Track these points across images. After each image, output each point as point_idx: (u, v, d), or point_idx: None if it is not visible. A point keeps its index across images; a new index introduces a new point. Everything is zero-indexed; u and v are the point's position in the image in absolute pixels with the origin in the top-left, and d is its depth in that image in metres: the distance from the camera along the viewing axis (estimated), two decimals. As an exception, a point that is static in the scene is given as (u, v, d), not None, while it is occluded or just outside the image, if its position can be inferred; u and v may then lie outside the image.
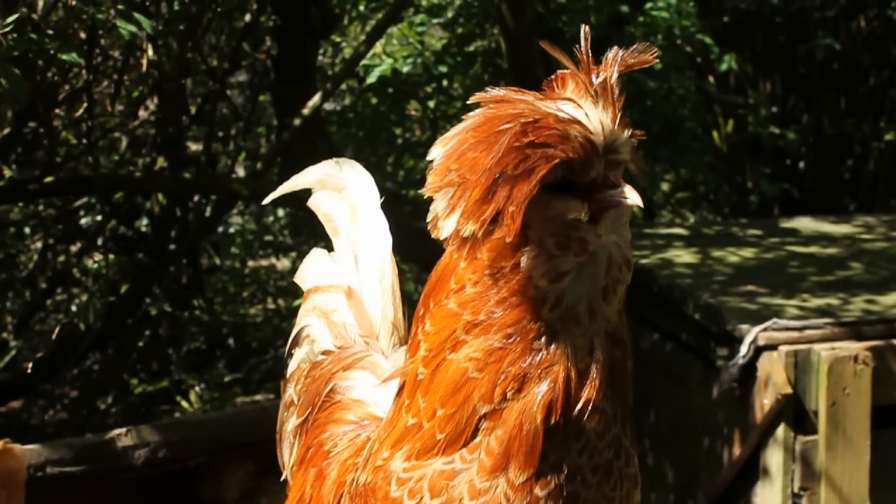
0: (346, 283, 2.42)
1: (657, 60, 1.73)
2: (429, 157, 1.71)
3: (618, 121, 1.66)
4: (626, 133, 1.69)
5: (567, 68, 1.70)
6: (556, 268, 1.67)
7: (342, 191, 2.42)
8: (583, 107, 1.66)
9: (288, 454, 2.35)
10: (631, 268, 1.73)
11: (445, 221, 1.67)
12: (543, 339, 1.68)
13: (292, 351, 2.49)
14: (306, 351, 2.44)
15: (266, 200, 2.54)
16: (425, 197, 1.70)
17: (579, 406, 1.68)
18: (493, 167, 1.61)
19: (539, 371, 1.68)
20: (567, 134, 1.62)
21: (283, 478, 2.35)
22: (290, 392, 2.42)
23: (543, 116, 1.63)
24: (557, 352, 1.68)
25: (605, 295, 1.70)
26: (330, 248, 2.49)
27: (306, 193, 2.50)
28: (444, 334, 1.73)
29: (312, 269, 2.51)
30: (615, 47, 1.70)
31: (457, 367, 1.71)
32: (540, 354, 1.68)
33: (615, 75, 1.68)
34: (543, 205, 1.64)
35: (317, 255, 2.52)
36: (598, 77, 1.67)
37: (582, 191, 1.66)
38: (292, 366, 2.47)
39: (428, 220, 1.70)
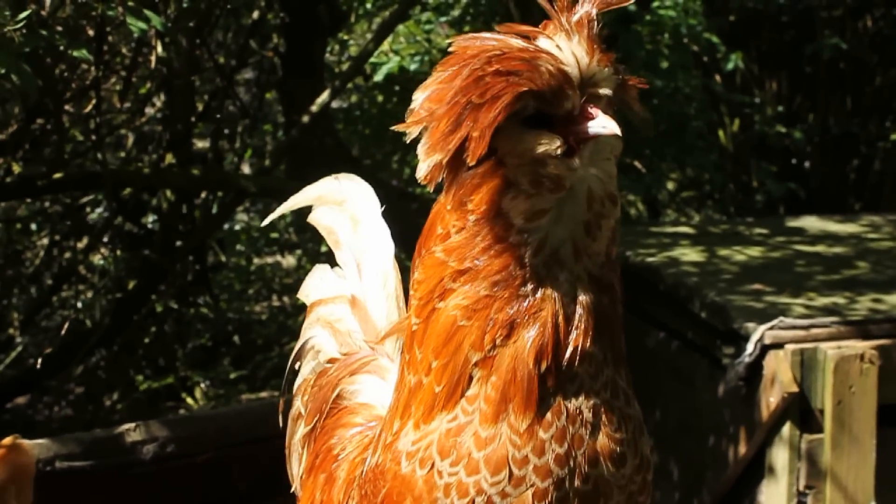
0: (349, 292, 2.44)
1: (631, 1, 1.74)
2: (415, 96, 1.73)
3: (595, 54, 1.66)
4: (607, 68, 1.68)
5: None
6: (534, 206, 1.67)
7: (342, 203, 2.44)
8: (555, 40, 1.66)
9: (297, 465, 2.35)
10: (617, 203, 1.72)
11: (423, 163, 1.68)
12: (529, 286, 1.69)
13: (296, 365, 2.50)
14: (312, 364, 2.45)
15: (266, 221, 2.58)
16: (408, 141, 1.71)
17: (569, 350, 1.69)
18: (460, 97, 1.63)
19: (527, 317, 1.69)
20: (535, 64, 1.63)
21: (292, 490, 2.35)
22: (297, 405, 2.43)
23: (510, 49, 1.65)
24: (544, 297, 1.69)
25: (588, 230, 1.70)
26: (332, 252, 2.51)
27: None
28: (433, 282, 1.74)
29: (315, 284, 2.54)
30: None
31: (446, 316, 1.72)
32: (527, 300, 1.69)
33: (593, 11, 1.69)
34: (516, 139, 1.65)
35: (319, 270, 2.55)
36: (575, 15, 1.68)
37: (560, 125, 1.66)
38: (298, 380, 2.48)
39: (417, 174, 1.71)
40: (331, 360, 2.40)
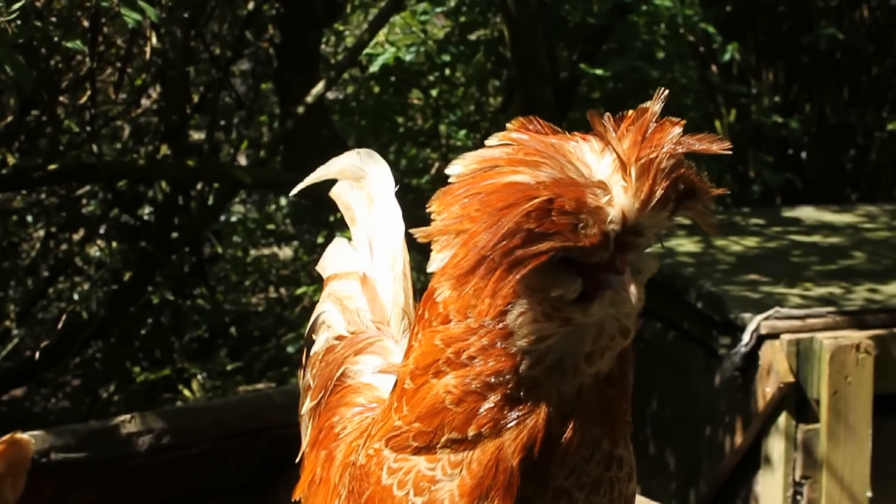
0: (361, 269, 2.44)
1: (724, 150, 1.62)
2: (449, 171, 1.64)
3: (650, 205, 1.56)
4: (657, 218, 1.59)
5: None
6: (539, 331, 1.63)
7: (361, 180, 2.45)
8: (611, 189, 1.56)
9: (305, 437, 2.38)
10: (628, 335, 1.66)
11: (436, 256, 1.62)
12: (522, 392, 1.65)
13: (312, 337, 2.51)
14: (324, 337, 2.46)
15: (294, 191, 2.55)
16: (430, 212, 1.64)
17: (562, 445, 1.66)
18: (487, 244, 1.55)
19: (516, 419, 1.66)
20: (575, 225, 1.54)
21: (297, 459, 2.37)
22: (308, 377, 2.45)
23: (559, 196, 1.54)
24: (537, 401, 1.65)
25: (588, 358, 1.65)
26: (331, 238, 2.52)
27: (317, 184, 2.53)
28: (429, 360, 1.72)
29: (332, 258, 2.54)
30: (674, 126, 1.60)
31: (436, 393, 1.71)
32: (518, 405, 1.65)
33: (663, 158, 1.57)
34: (535, 275, 1.58)
35: (338, 243, 2.55)
36: (641, 158, 1.57)
37: (585, 266, 1.59)
38: (311, 352, 2.49)
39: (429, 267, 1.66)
40: (338, 337, 2.41)
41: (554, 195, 1.53)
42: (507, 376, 1.65)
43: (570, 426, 1.66)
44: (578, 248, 1.55)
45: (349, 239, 2.52)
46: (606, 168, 1.57)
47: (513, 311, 1.63)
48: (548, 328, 1.63)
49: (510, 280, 1.55)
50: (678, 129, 1.60)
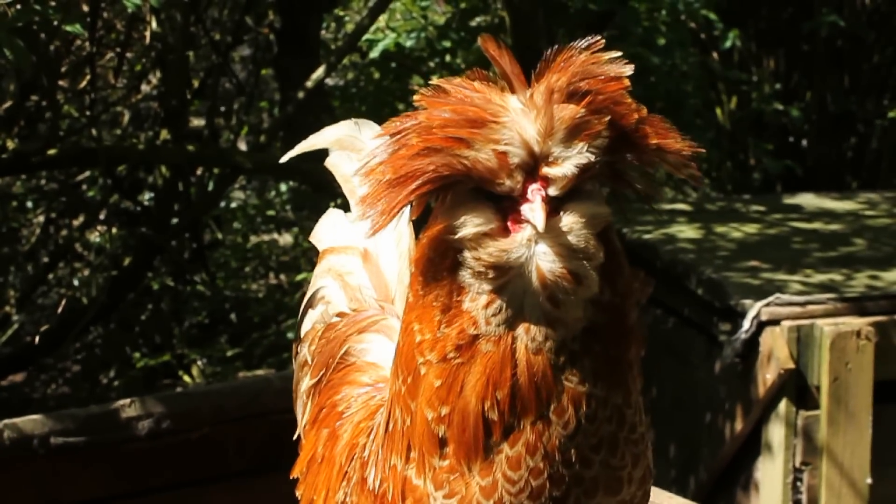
0: (362, 245, 2.39)
1: (625, 66, 1.59)
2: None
3: (557, 133, 1.51)
4: (570, 149, 1.52)
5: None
6: (482, 283, 1.59)
7: (361, 152, 2.38)
8: (509, 114, 1.53)
9: (301, 414, 2.34)
10: (581, 280, 1.57)
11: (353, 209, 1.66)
12: (490, 345, 1.60)
13: (307, 311, 2.46)
14: (321, 311, 2.40)
15: (284, 158, 2.48)
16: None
17: (533, 399, 1.61)
18: (378, 169, 1.57)
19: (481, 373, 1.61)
20: (469, 142, 1.52)
21: (295, 436, 2.34)
22: (304, 353, 2.39)
23: (450, 122, 1.53)
24: (505, 357, 1.60)
25: (552, 301, 1.58)
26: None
27: (310, 166, 2.47)
28: (409, 350, 1.70)
29: (329, 229, 2.47)
30: (577, 50, 1.57)
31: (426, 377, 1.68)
32: (485, 356, 1.60)
33: (560, 82, 1.53)
34: (452, 213, 1.58)
35: (333, 214, 2.48)
36: (541, 85, 1.54)
37: (508, 201, 1.55)
38: (306, 326, 2.43)
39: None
40: (340, 315, 2.35)
41: (446, 121, 1.53)
42: (473, 332, 1.60)
43: (543, 379, 1.60)
44: (478, 173, 1.52)
45: (345, 211, 2.46)
46: (515, 99, 1.55)
47: (461, 270, 1.60)
48: (486, 274, 1.57)
49: (400, 198, 1.54)
50: (602, 61, 1.57)
